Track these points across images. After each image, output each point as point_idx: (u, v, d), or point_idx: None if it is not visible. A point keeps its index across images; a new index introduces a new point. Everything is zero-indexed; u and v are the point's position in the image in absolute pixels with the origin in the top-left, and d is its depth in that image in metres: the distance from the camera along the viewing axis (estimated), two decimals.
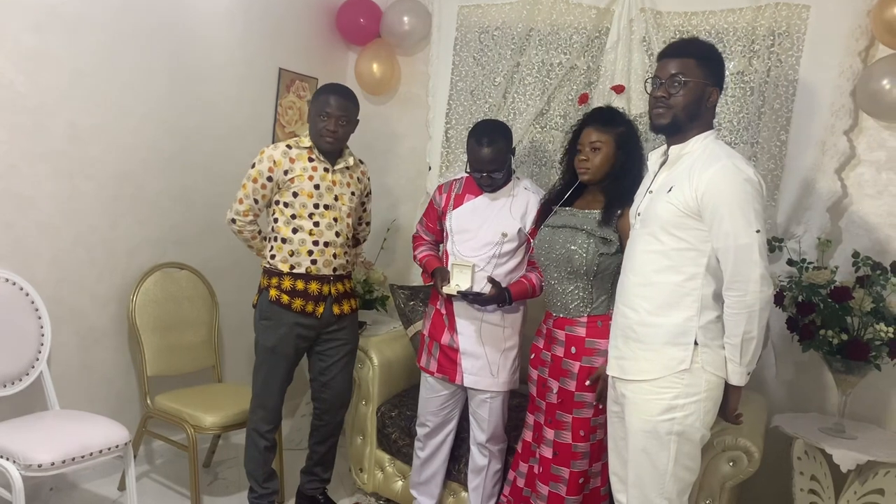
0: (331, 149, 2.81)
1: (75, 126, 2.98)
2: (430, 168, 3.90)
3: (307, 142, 2.83)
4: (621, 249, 2.40)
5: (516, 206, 2.73)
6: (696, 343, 2.05)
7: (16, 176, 2.82)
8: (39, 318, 2.86)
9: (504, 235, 2.70)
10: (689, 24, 3.23)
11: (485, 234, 2.73)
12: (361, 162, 3.03)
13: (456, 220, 2.80)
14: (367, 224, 3.16)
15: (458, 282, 2.66)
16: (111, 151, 3.13)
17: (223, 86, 3.59)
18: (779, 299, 2.79)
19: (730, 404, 2.12)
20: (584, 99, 3.44)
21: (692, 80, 2.08)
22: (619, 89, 3.30)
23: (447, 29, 3.82)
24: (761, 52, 3.07)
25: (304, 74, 3.99)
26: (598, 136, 2.46)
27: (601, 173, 2.47)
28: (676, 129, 2.14)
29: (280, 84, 3.88)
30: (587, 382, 2.44)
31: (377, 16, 3.99)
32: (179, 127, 3.41)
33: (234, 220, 2.88)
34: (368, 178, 3.05)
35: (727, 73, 3.11)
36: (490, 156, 2.66)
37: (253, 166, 2.82)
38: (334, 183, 2.84)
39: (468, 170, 2.75)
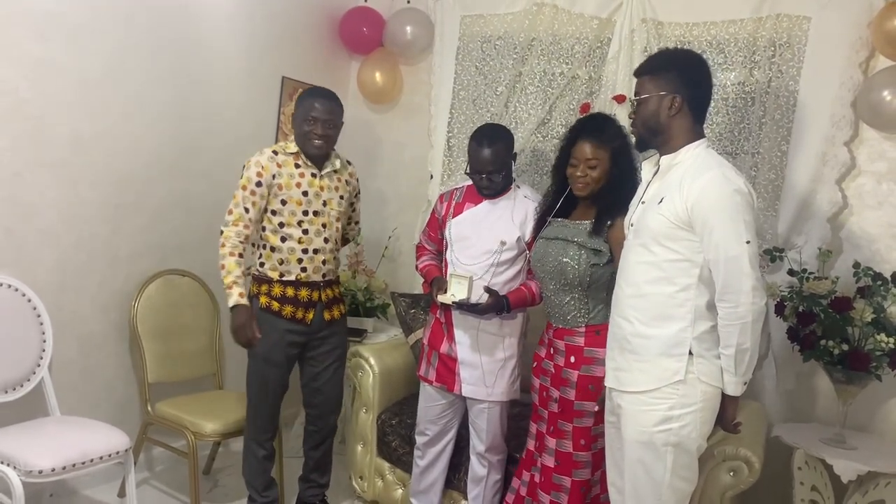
0: (319, 154, 2.79)
1: (79, 133, 3.00)
2: (431, 177, 3.91)
3: (293, 147, 2.80)
4: (612, 259, 2.42)
5: (516, 214, 2.73)
6: (690, 353, 2.05)
7: (19, 183, 2.83)
8: (41, 324, 2.87)
9: (503, 243, 2.70)
10: (690, 35, 3.25)
11: (484, 243, 2.73)
12: (349, 163, 3.01)
13: (455, 229, 2.80)
14: (357, 223, 3.15)
15: (455, 292, 2.66)
16: (114, 159, 3.14)
17: (226, 94, 3.61)
18: (780, 309, 2.80)
19: (727, 414, 2.11)
20: (585, 108, 3.45)
21: (647, 97, 2.13)
22: (620, 99, 3.31)
23: (450, 38, 3.84)
24: (762, 62, 3.09)
25: (306, 83, 4.00)
26: (595, 153, 2.45)
27: (597, 188, 2.48)
28: (644, 144, 2.21)
29: (283, 92, 3.89)
30: (566, 396, 2.46)
31: (380, 25, 4.01)
32: (182, 134, 3.42)
33: (221, 231, 2.77)
34: (357, 179, 3.04)
35: (728, 83, 3.15)
36: (490, 157, 2.66)
37: (242, 176, 2.78)
38: (322, 188, 2.83)
39: (468, 171, 2.76)
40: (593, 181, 2.46)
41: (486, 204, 2.79)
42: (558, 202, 2.59)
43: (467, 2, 3.78)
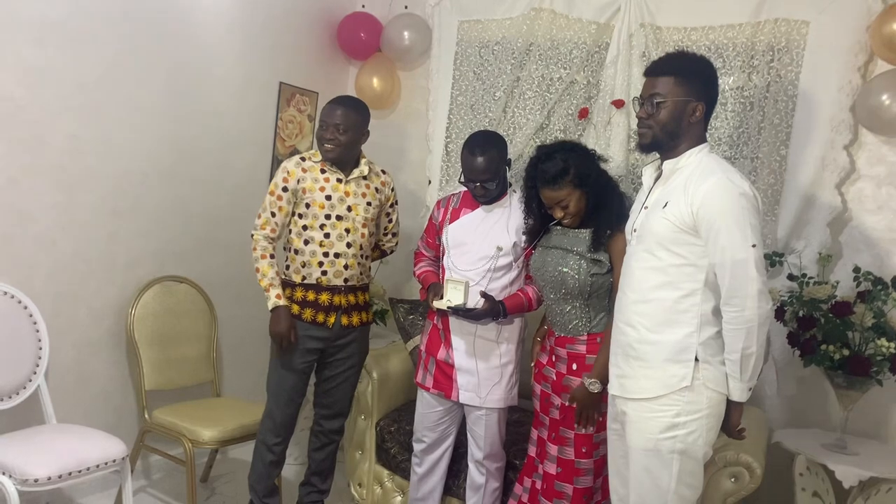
0: (332, 158, 2.82)
1: (75, 139, 2.98)
2: (429, 182, 3.90)
3: (319, 155, 2.87)
4: (612, 269, 2.41)
5: (512, 219, 2.72)
6: (696, 359, 2.03)
7: (15, 189, 2.82)
8: (37, 331, 2.85)
9: (499, 249, 2.69)
10: (688, 40, 3.25)
11: (480, 248, 2.72)
12: (384, 172, 3.02)
13: (452, 234, 2.80)
14: (394, 235, 3.14)
15: (451, 297, 2.64)
16: (111, 164, 3.13)
17: (224, 99, 3.60)
18: (780, 314, 2.79)
19: (732, 420, 2.10)
20: (583, 113, 3.45)
21: (670, 100, 2.07)
22: (618, 104, 3.31)
23: (447, 44, 3.83)
24: (761, 67, 3.09)
25: (304, 88, 4.00)
26: (559, 194, 2.42)
27: (583, 214, 2.46)
28: (658, 147, 2.14)
29: (280, 98, 3.88)
30: (566, 402, 2.44)
31: (378, 30, 4.00)
32: (179, 140, 3.41)
33: (252, 235, 2.85)
34: (392, 189, 3.04)
35: (727, 87, 3.15)
36: (483, 165, 2.65)
37: (271, 181, 2.84)
38: (347, 193, 2.84)
39: (461, 180, 2.75)
40: (576, 212, 2.45)
41: (481, 210, 2.78)
42: (545, 226, 2.59)
43: (465, 7, 3.78)
